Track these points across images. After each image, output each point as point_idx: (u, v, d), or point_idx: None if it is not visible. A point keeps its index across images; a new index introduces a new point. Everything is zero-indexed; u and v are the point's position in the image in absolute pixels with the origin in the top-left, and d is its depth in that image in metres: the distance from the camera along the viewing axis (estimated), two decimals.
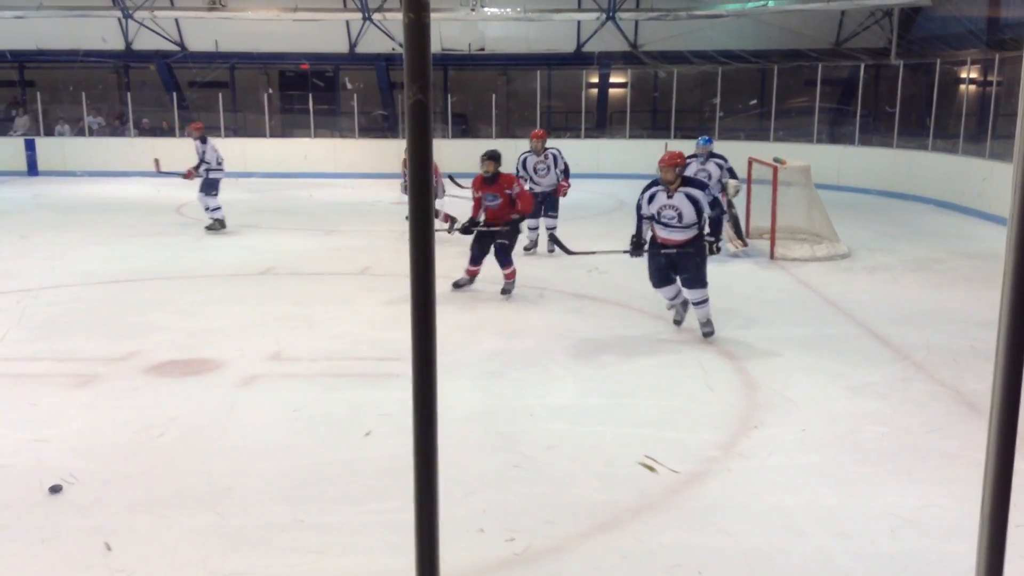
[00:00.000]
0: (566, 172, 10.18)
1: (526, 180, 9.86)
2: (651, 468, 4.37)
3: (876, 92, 18.90)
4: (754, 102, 19.70)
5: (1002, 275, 1.28)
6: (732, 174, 10.08)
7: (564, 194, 10.19)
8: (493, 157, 7.87)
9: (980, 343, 6.47)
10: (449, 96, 20.64)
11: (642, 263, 6.79)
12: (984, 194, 13.02)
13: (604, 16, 19.94)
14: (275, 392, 5.54)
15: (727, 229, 10.02)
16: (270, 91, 21.05)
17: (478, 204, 8.02)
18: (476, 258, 8.12)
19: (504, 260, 7.99)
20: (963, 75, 17.10)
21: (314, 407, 5.29)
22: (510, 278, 8.04)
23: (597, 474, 4.35)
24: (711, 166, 10.05)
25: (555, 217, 10.13)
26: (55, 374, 5.86)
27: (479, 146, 20.61)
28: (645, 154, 19.37)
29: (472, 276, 8.17)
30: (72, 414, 5.13)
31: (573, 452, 4.63)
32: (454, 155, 15.75)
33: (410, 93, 1.15)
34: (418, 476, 1.28)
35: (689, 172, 10.22)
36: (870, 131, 17.50)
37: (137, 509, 3.95)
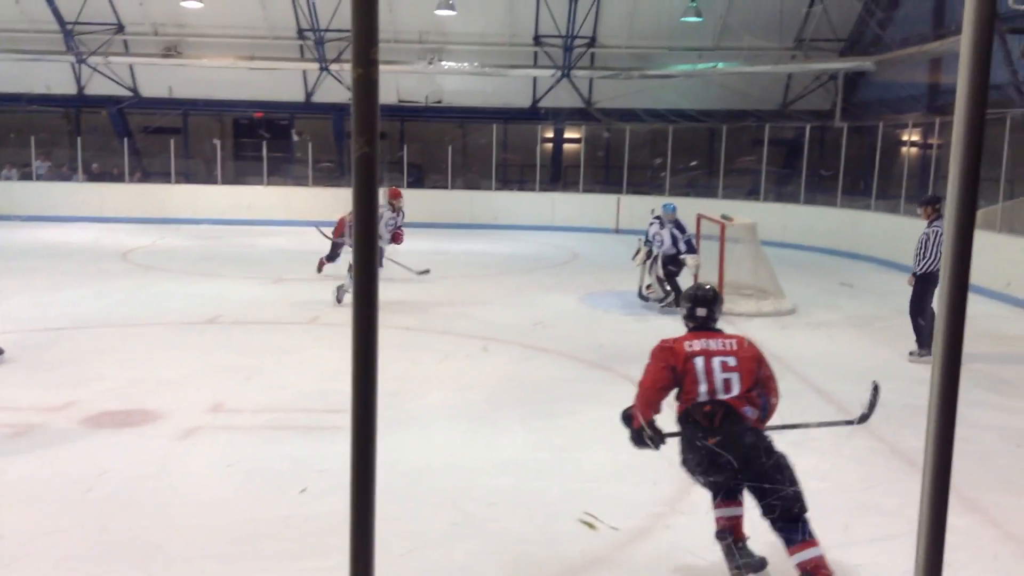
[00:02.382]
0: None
1: None
2: (591, 526, 4.34)
3: (821, 153, 19.45)
4: (695, 163, 20.11)
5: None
6: (690, 247, 10.24)
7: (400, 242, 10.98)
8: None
9: (918, 399, 6.58)
10: (405, 146, 20.77)
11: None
12: None
13: (559, 73, 20.35)
14: (212, 445, 5.43)
15: (655, 285, 10.15)
16: (216, 141, 20.89)
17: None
18: None
19: None
20: (904, 138, 17.71)
21: (252, 461, 5.18)
22: None
23: (541, 531, 4.32)
24: (665, 234, 10.24)
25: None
26: None
27: (433, 197, 20.70)
28: (599, 208, 19.69)
29: None
30: (3, 466, 4.97)
31: (517, 508, 4.59)
32: (407, 205, 15.74)
33: (357, 146, 1.15)
34: (354, 534, 1.25)
35: (650, 233, 10.44)
36: (815, 190, 17.95)
37: (66, 566, 3.82)
